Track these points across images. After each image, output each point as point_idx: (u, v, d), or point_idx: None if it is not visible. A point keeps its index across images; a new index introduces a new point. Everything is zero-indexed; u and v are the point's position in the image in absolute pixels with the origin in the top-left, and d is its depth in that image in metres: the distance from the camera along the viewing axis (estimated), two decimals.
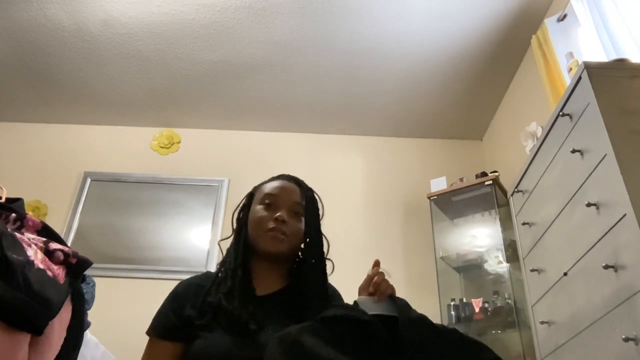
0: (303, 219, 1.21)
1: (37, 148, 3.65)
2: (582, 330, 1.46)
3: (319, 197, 1.28)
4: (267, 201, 1.20)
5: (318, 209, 1.25)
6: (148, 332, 1.13)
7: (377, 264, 1.09)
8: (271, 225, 1.16)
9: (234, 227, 1.26)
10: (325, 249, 1.23)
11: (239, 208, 1.27)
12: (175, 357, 1.08)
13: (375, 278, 1.06)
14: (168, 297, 1.16)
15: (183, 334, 1.08)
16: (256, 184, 1.32)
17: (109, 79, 3.30)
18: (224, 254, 1.23)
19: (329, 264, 1.23)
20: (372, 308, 1.03)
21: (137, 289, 3.06)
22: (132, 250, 3.29)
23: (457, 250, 3.07)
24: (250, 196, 1.27)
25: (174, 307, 1.13)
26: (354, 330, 0.98)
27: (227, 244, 1.26)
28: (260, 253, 1.18)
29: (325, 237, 1.24)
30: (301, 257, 1.23)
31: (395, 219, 3.46)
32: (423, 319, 1.04)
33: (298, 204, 1.21)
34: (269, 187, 1.24)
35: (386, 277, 1.09)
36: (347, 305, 1.08)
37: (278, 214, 1.17)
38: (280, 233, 1.15)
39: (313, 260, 1.19)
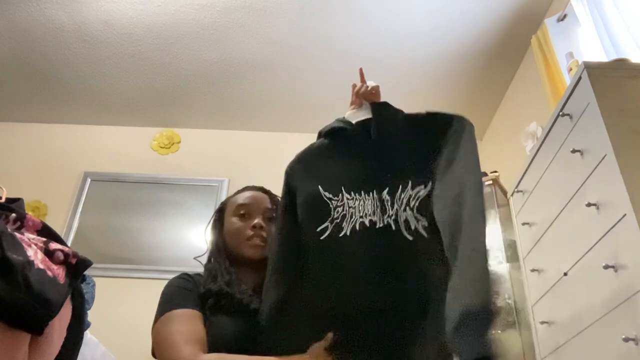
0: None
1: (37, 148, 3.65)
2: (582, 330, 1.46)
3: None
4: (241, 212, 1.26)
5: None
6: (171, 308, 1.07)
7: (360, 72, 1.28)
8: (250, 233, 1.22)
9: (209, 241, 1.31)
10: None
11: (211, 224, 1.32)
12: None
13: (356, 88, 1.26)
14: (174, 289, 1.15)
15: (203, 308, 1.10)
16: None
17: (109, 79, 3.30)
18: (205, 263, 1.26)
19: None
20: (356, 116, 1.24)
21: (137, 289, 3.05)
22: (132, 250, 3.28)
23: None
24: (220, 211, 1.32)
25: (187, 291, 1.13)
26: (342, 139, 1.20)
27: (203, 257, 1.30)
28: (243, 261, 1.22)
29: None
30: None
31: None
32: (396, 113, 1.19)
33: (270, 209, 1.28)
34: (241, 198, 1.29)
35: (371, 84, 1.25)
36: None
37: (255, 221, 1.23)
38: (259, 239, 1.21)
39: None
